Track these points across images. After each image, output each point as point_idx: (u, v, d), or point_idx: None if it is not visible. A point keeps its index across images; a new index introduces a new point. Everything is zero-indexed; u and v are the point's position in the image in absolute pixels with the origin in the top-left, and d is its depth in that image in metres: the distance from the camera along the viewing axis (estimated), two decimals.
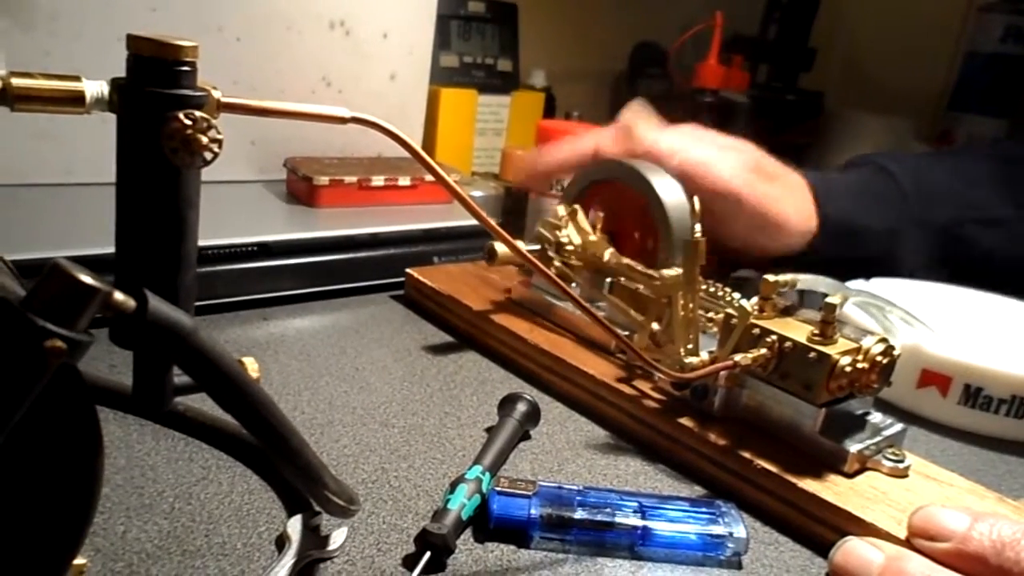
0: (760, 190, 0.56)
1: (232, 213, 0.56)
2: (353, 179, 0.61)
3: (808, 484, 0.34)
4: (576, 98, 1.05)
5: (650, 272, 0.44)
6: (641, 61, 1.16)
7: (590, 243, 0.48)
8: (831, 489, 0.34)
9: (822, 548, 0.32)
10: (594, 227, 0.49)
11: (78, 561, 0.26)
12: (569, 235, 0.49)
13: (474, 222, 0.59)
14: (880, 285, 0.55)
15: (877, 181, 0.64)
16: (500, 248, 0.48)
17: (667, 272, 0.41)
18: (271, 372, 0.42)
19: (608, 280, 0.47)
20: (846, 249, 0.60)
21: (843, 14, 1.37)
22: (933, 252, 0.63)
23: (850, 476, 0.35)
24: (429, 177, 0.65)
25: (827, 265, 0.54)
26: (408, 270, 0.55)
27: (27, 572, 0.21)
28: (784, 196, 0.58)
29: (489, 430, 0.39)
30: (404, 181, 0.64)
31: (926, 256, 0.62)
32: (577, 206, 0.50)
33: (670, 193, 0.47)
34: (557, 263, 0.49)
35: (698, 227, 0.39)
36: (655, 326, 0.42)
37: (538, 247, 0.50)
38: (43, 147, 0.56)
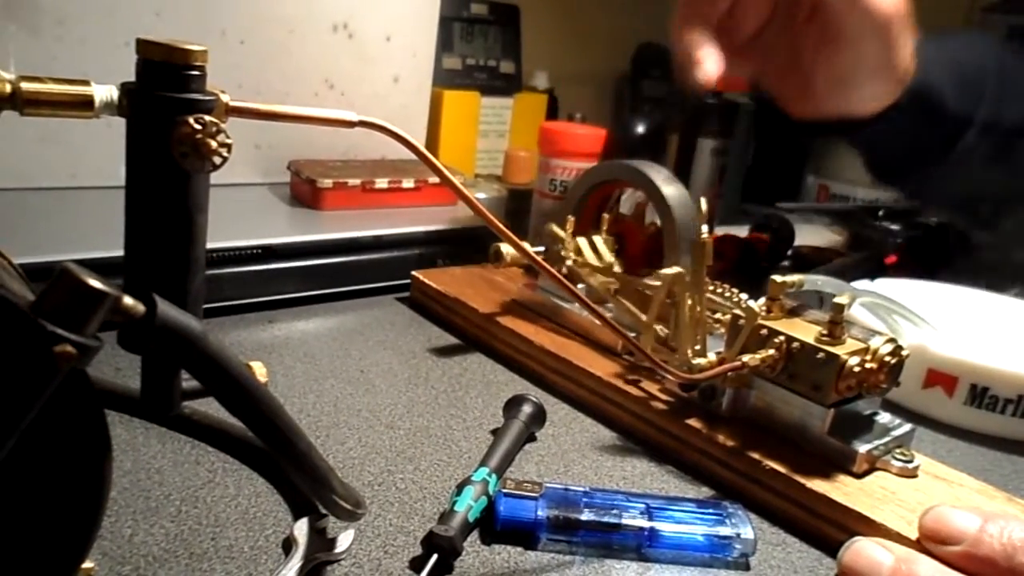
0: (905, 25, 0.51)
1: (236, 216, 0.56)
2: (357, 182, 0.61)
3: (817, 484, 0.34)
4: (579, 100, 1.05)
5: (651, 282, 0.45)
6: (644, 62, 1.15)
7: (599, 261, 0.48)
8: (840, 489, 0.34)
9: (830, 549, 0.32)
10: (601, 217, 0.49)
11: (85, 565, 0.26)
12: (574, 256, 0.49)
13: (478, 224, 0.59)
14: (885, 285, 0.54)
15: (968, 60, 0.58)
16: (507, 249, 0.48)
17: (666, 271, 0.41)
18: (276, 375, 0.42)
19: None
20: (915, 125, 0.56)
21: None
22: (994, 152, 0.58)
23: (859, 476, 0.35)
24: (433, 179, 0.65)
25: (881, 149, 0.53)
26: (414, 273, 0.55)
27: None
28: (908, 42, 0.53)
29: (495, 432, 0.39)
30: (408, 183, 0.64)
31: (983, 156, 0.57)
32: (572, 219, 0.50)
33: (674, 194, 0.47)
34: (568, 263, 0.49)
35: (704, 228, 0.39)
36: (662, 327, 0.42)
37: (543, 249, 0.50)
38: (49, 151, 0.56)
